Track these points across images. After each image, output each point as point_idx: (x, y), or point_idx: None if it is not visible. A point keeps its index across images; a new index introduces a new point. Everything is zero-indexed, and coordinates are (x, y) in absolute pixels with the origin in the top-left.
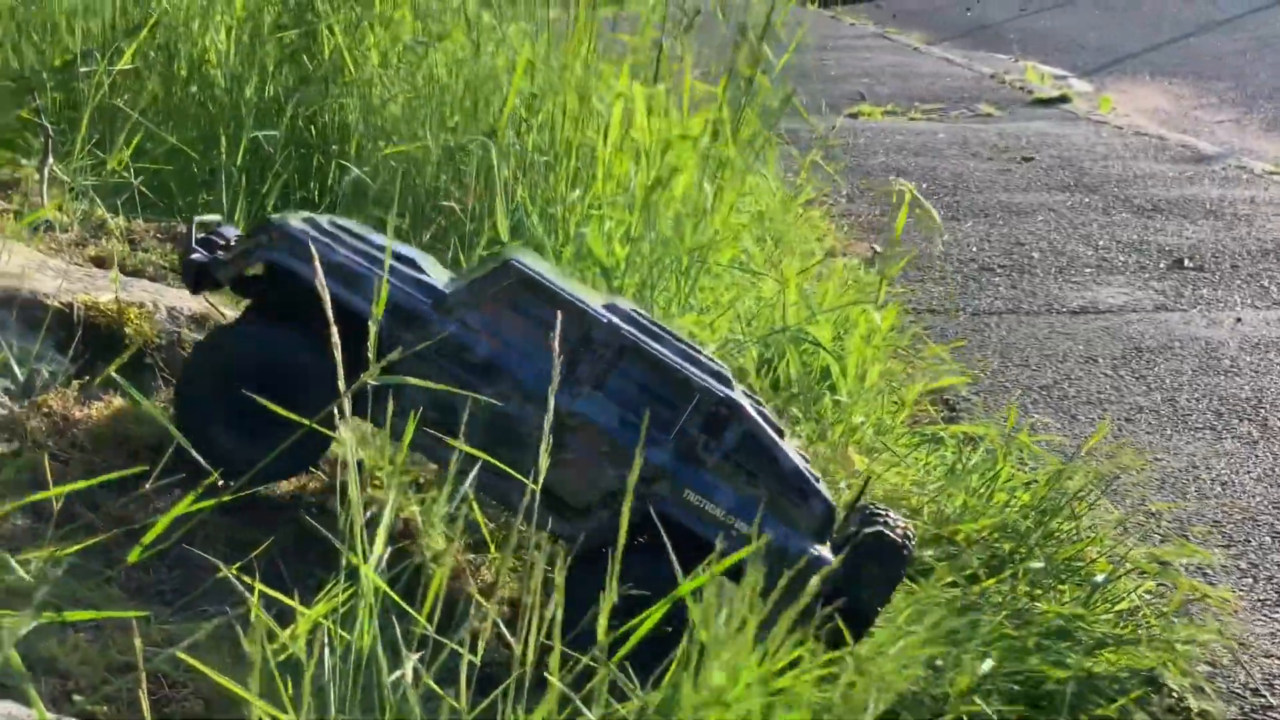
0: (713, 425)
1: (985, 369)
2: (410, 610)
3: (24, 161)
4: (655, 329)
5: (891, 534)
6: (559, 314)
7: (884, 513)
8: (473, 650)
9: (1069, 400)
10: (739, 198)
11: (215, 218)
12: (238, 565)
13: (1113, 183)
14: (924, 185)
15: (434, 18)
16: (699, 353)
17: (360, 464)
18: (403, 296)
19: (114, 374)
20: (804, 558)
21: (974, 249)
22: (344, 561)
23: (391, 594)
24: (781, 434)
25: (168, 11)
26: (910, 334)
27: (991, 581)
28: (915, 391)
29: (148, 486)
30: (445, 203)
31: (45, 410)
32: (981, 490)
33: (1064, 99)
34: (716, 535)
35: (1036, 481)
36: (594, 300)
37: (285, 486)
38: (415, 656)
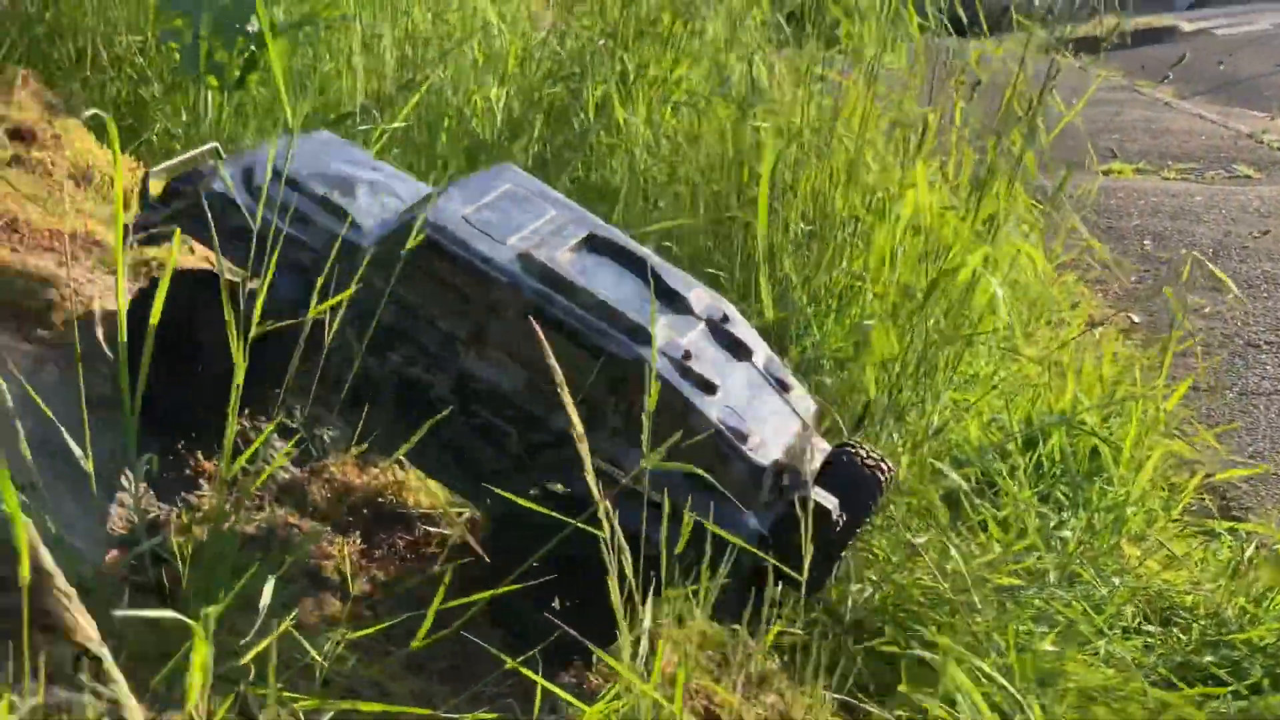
0: (618, 387)
1: (1273, 459)
2: None
3: None
4: (572, 280)
5: (822, 500)
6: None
7: (854, 452)
8: None
9: None
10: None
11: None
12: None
13: None
14: (1181, 251)
15: (711, 80)
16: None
17: None
18: (310, 256)
19: None
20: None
21: (1238, 323)
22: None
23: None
24: (747, 353)
25: (438, 69)
26: (1179, 416)
27: (1277, 698)
28: (1194, 484)
29: (436, 568)
30: (710, 270)
31: (326, 476)
32: (1264, 594)
33: None
34: (623, 503)
35: None
36: (506, 254)
37: None
38: None
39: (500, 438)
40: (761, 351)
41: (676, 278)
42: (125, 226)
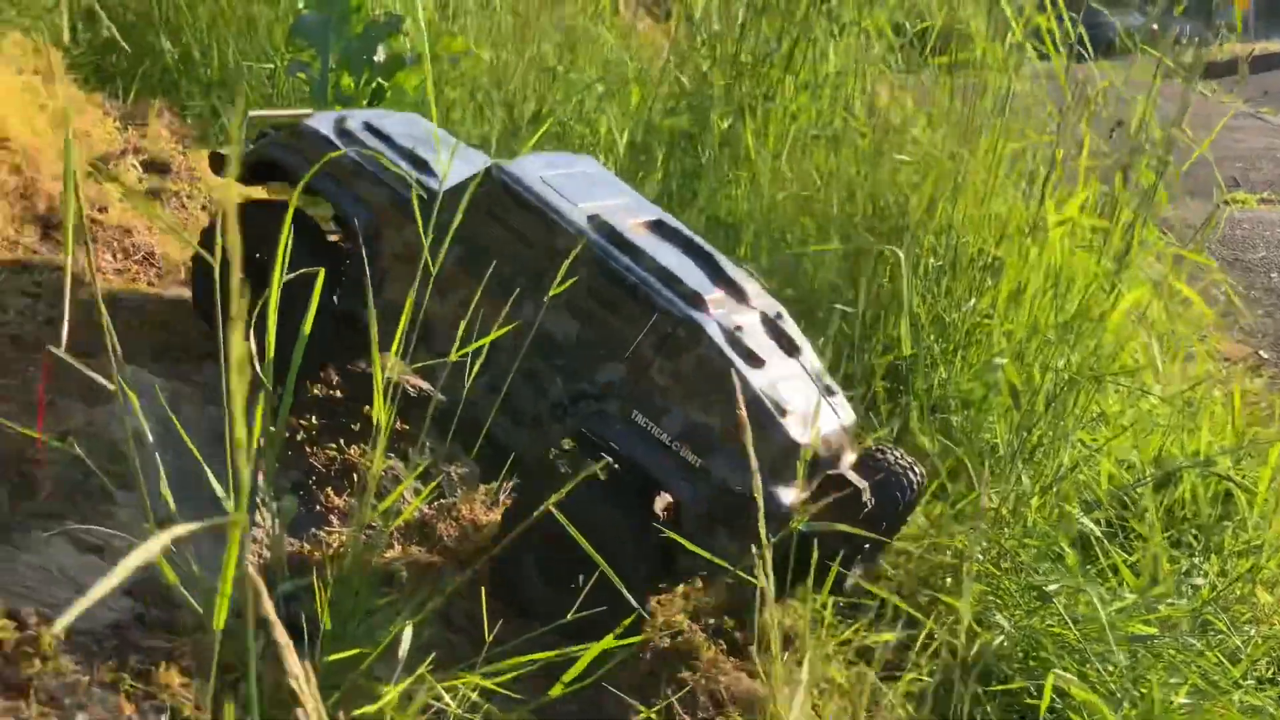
0: (669, 346)
1: None
2: None
3: None
4: (635, 243)
5: (853, 479)
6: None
7: (885, 455)
8: None
9: None
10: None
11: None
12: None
13: None
14: None
15: (834, 108)
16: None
17: None
18: (388, 194)
19: None
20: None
21: None
22: None
23: None
24: (796, 350)
25: (560, 100)
26: None
27: None
28: None
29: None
30: (839, 305)
31: (454, 514)
32: None
33: None
34: (658, 461)
35: None
36: (576, 213)
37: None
38: None
39: (545, 384)
40: (809, 353)
41: (736, 271)
42: (216, 156)
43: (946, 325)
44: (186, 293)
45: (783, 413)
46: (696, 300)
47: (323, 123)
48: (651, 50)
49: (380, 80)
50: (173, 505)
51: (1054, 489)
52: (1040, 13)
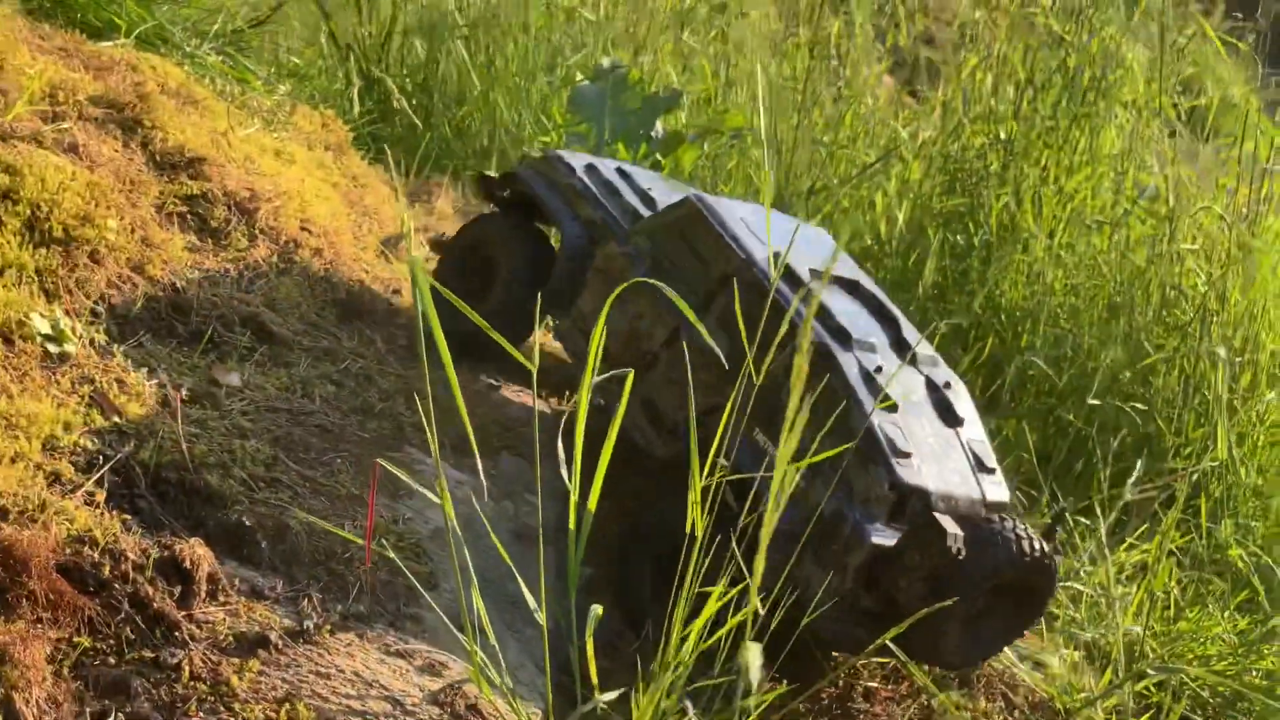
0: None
1: None
2: None
3: None
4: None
5: (944, 522)
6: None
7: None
8: None
9: None
10: None
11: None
12: None
13: None
14: None
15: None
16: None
17: None
18: (603, 215)
19: None
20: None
21: None
22: None
23: None
24: (955, 420)
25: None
26: None
27: None
28: None
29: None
30: (1128, 406)
31: None
32: None
33: None
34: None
35: None
36: (759, 248)
37: None
38: None
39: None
40: (974, 427)
41: (914, 335)
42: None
43: (1244, 427)
44: (482, 382)
45: (898, 454)
46: (842, 335)
47: (574, 156)
48: (916, 124)
49: (658, 155)
50: (484, 613)
51: None
52: None
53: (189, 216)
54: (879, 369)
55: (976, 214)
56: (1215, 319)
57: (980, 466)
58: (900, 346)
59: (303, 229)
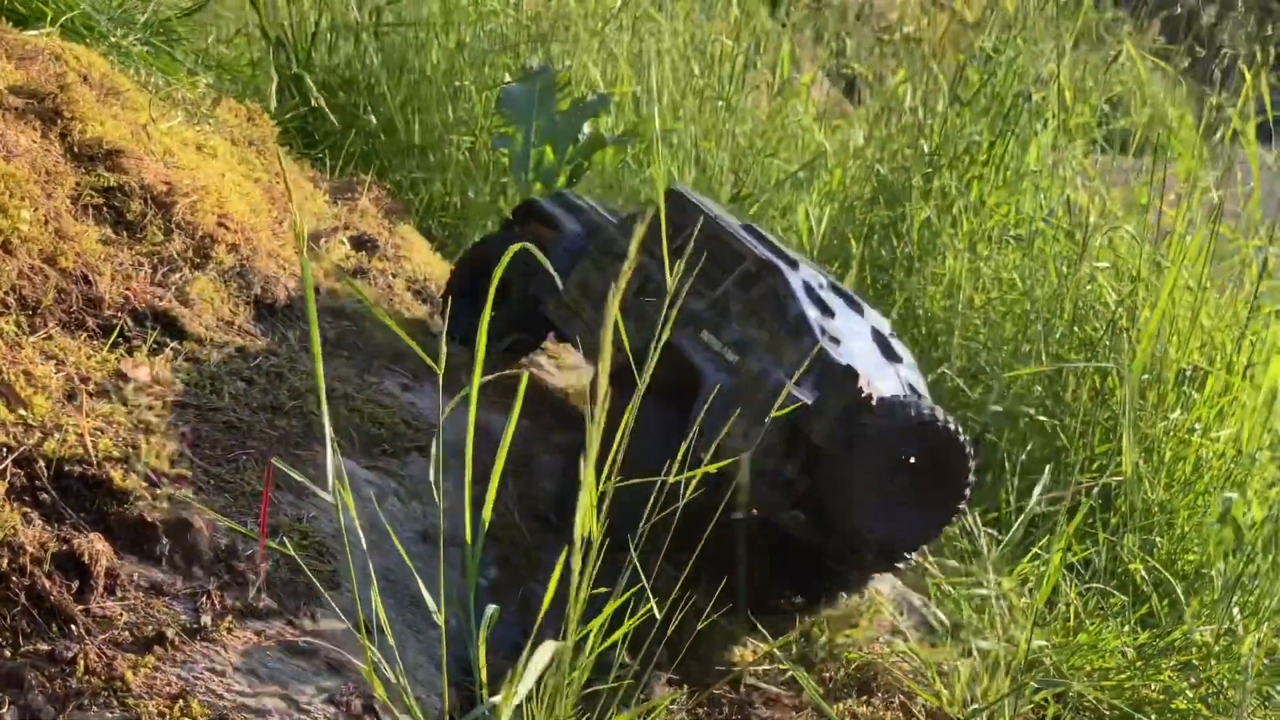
0: (744, 280)
1: None
2: None
3: None
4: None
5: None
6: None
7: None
8: None
9: None
10: None
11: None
12: None
13: None
14: None
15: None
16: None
17: None
18: (597, 218)
19: None
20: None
21: None
22: None
23: None
24: (860, 310)
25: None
26: None
27: None
28: None
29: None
30: (1041, 418)
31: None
32: None
33: None
34: (705, 360)
35: None
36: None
37: None
38: None
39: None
40: (913, 372)
41: (865, 301)
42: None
43: (1151, 442)
44: (394, 382)
45: (830, 339)
46: (789, 260)
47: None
48: (845, 134)
49: (581, 159)
50: (382, 613)
51: (1265, 626)
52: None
53: (105, 209)
54: (822, 286)
55: (898, 226)
56: (1126, 334)
57: (913, 391)
58: (842, 294)
59: (220, 224)
